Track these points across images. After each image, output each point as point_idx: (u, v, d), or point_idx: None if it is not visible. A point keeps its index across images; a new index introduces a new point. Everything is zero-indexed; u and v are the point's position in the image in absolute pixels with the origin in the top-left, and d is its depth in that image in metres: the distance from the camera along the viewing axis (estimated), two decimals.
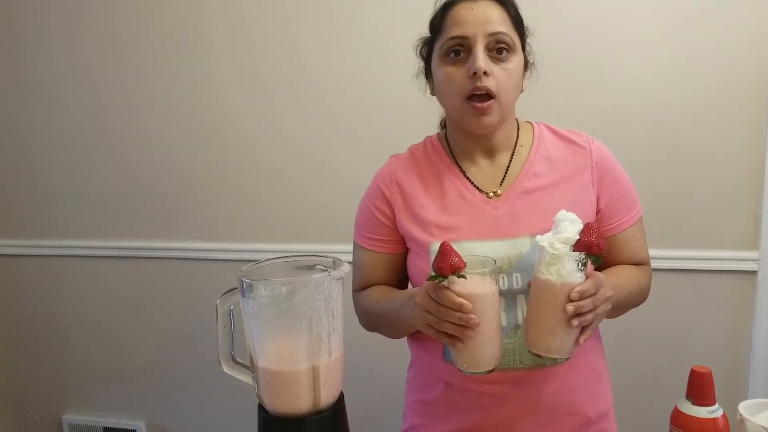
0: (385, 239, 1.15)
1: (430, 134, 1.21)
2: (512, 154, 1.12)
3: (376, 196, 1.16)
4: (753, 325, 1.85)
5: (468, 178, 1.11)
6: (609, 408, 1.15)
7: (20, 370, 2.54)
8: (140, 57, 2.16)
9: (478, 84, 0.99)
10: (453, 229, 1.06)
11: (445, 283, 0.87)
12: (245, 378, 0.93)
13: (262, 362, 0.87)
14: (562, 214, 0.86)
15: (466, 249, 1.03)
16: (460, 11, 1.02)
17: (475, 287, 0.87)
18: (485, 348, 0.90)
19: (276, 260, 0.94)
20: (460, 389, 1.09)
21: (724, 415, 0.80)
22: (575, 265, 0.84)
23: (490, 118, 1.03)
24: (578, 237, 0.84)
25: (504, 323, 1.03)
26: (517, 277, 1.03)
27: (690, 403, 0.81)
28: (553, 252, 0.84)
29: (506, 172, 1.10)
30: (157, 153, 2.21)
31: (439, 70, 1.05)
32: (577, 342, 0.88)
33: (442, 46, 1.04)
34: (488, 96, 1.01)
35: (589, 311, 0.85)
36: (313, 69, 2.03)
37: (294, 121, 2.07)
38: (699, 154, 1.81)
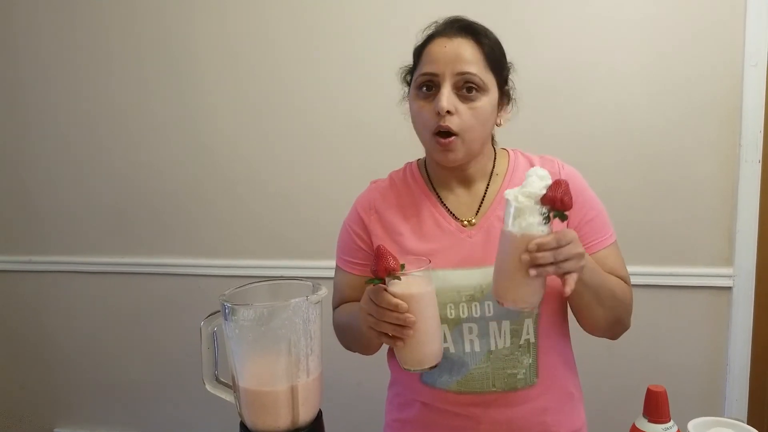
0: (362, 263, 1.17)
1: (413, 159, 1.24)
2: (488, 183, 1.14)
3: (355, 221, 1.18)
4: (729, 340, 1.90)
5: (445, 205, 1.13)
6: (581, 427, 1.19)
7: (12, 384, 2.57)
8: (133, 75, 2.21)
9: (441, 123, 1.02)
10: (428, 257, 1.07)
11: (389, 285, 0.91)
12: (228, 397, 0.97)
13: (243, 383, 0.91)
14: (533, 170, 0.87)
15: (441, 277, 1.05)
16: (435, 47, 1.05)
17: (411, 287, 0.90)
18: (425, 345, 0.93)
19: (257, 284, 0.98)
20: (436, 410, 1.13)
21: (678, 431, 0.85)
22: (538, 219, 0.86)
23: (454, 155, 1.06)
24: (545, 192, 0.85)
25: (477, 348, 1.07)
26: (489, 305, 1.06)
27: (646, 420, 0.86)
28: (517, 205, 0.86)
29: (482, 201, 1.13)
30: (149, 170, 2.26)
31: (413, 102, 1.09)
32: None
33: (416, 79, 1.07)
34: (452, 133, 1.03)
35: (550, 263, 0.85)
36: (302, 90, 2.08)
37: (283, 140, 2.12)
38: (676, 175, 1.87)
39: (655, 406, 0.85)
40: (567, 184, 0.85)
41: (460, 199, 1.14)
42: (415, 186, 1.17)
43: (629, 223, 1.88)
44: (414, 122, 1.10)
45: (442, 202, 1.14)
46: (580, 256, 0.89)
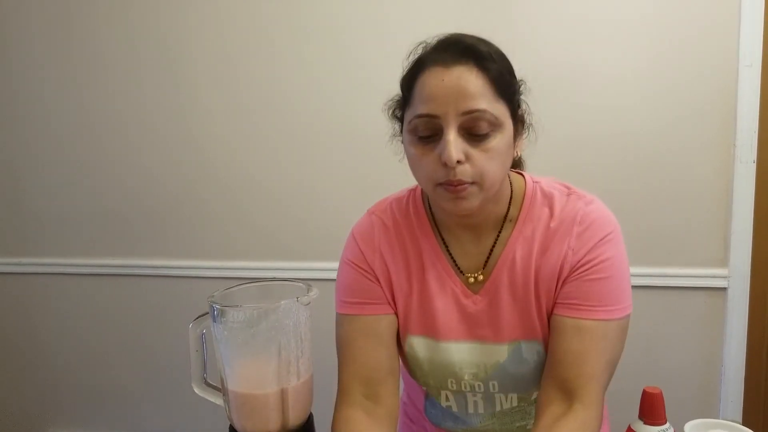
0: (377, 301, 0.98)
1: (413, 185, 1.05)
2: (499, 230, 0.96)
3: (359, 259, 1.00)
4: (724, 341, 1.90)
5: (450, 255, 0.98)
6: None
7: (4, 387, 2.54)
8: (127, 76, 2.19)
9: (451, 177, 0.83)
10: (430, 325, 0.97)
11: None
12: (216, 400, 0.96)
13: (232, 385, 0.90)
14: None
15: (442, 350, 0.97)
16: (430, 81, 0.84)
17: None
18: None
19: (248, 285, 0.97)
20: None
21: None
22: None
23: (469, 203, 0.86)
24: None
25: (481, 410, 1.02)
26: (493, 384, 0.98)
27: (642, 423, 0.84)
28: None
29: (490, 252, 0.96)
30: (141, 171, 2.24)
31: (409, 147, 0.89)
32: None
33: (409, 122, 0.87)
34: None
35: None
36: (296, 91, 2.06)
37: (278, 142, 2.11)
38: (670, 175, 1.86)
39: (651, 408, 0.84)
40: None
41: (465, 248, 0.98)
42: (418, 227, 0.99)
43: (624, 224, 1.85)
44: (413, 170, 0.91)
45: (448, 249, 0.98)
46: None
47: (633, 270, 1.90)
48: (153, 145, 2.21)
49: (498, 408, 1.01)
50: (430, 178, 0.87)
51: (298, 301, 0.88)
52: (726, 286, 1.87)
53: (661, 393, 0.84)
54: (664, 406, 0.85)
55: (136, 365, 2.39)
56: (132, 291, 2.33)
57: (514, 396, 1.00)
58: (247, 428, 0.89)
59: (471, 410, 1.02)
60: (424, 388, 1.05)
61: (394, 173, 1.20)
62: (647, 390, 0.84)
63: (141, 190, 2.25)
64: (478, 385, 0.98)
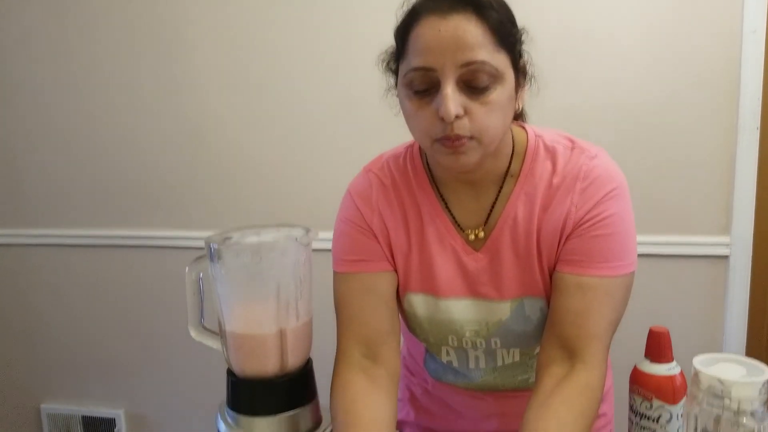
0: (376, 258, 0.95)
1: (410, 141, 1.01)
2: (501, 186, 0.92)
3: (356, 216, 0.96)
4: (725, 309, 1.88)
5: (450, 212, 0.95)
6: (608, 390, 1.11)
7: None
8: (120, 47, 2.15)
9: (449, 132, 0.79)
10: (430, 282, 0.95)
11: None
12: (213, 344, 0.94)
13: (230, 326, 0.88)
14: None
15: (442, 307, 0.94)
16: (425, 32, 0.78)
17: None
18: None
19: (245, 228, 0.95)
20: (439, 399, 1.10)
21: (681, 373, 0.83)
22: None
23: (468, 158, 0.82)
24: None
25: (483, 365, 1.00)
26: (495, 341, 0.96)
27: (648, 361, 0.83)
28: None
29: (492, 208, 0.93)
30: (135, 142, 2.21)
31: (405, 100, 0.85)
32: None
33: (404, 75, 0.82)
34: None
35: None
36: (290, 62, 2.03)
37: (271, 112, 2.08)
38: (674, 144, 1.84)
39: (658, 347, 0.82)
40: None
41: (465, 205, 0.94)
42: (416, 184, 0.96)
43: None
44: (409, 125, 0.86)
45: (447, 205, 0.95)
46: None
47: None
48: (148, 118, 2.18)
49: (499, 363, 1.00)
50: (427, 133, 0.82)
51: (297, 240, 0.86)
52: (728, 254, 1.85)
53: (668, 332, 0.83)
54: (671, 345, 0.83)
55: (131, 336, 2.37)
56: (125, 262, 2.31)
57: (516, 351, 0.98)
58: (246, 370, 0.88)
59: (472, 365, 1.01)
60: (424, 344, 1.03)
61: (388, 133, 1.13)
62: (654, 329, 0.83)
63: (136, 161, 2.22)
64: (480, 341, 0.96)
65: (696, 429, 0.74)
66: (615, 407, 1.13)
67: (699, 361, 0.72)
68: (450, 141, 0.80)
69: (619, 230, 0.87)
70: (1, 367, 2.53)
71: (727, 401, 0.70)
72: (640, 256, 1.90)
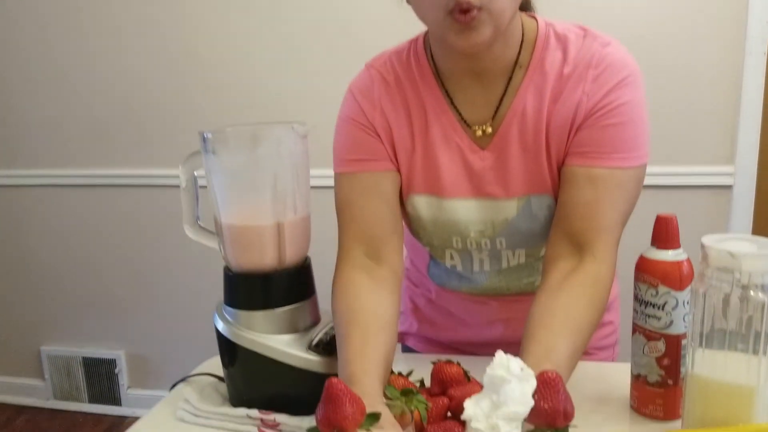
0: (378, 158, 0.91)
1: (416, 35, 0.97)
2: (510, 77, 0.87)
3: (357, 113, 0.92)
4: None
5: (455, 108, 0.90)
6: (614, 298, 1.10)
7: None
8: None
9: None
10: (434, 182, 0.91)
11: None
12: (209, 242, 0.92)
13: (226, 219, 0.86)
14: (500, 363, 0.57)
15: (447, 208, 0.92)
16: None
17: None
18: None
19: (241, 126, 0.92)
20: (442, 308, 1.08)
21: (688, 260, 0.81)
22: None
23: (479, 34, 0.77)
24: (532, 404, 0.56)
25: (487, 267, 0.97)
26: (501, 241, 0.93)
27: (655, 248, 0.81)
28: None
29: (500, 104, 0.88)
30: (133, 79, 2.17)
31: None
32: None
33: None
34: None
35: None
36: None
37: (270, 41, 2.04)
38: (680, 70, 1.80)
39: (665, 233, 0.80)
40: (560, 380, 0.57)
41: (472, 98, 0.89)
42: (421, 80, 0.91)
43: None
44: (418, 2, 0.81)
45: (453, 102, 0.90)
46: None
47: None
48: (146, 54, 2.14)
49: (504, 265, 0.97)
50: (435, 3, 0.77)
51: (293, 128, 0.83)
52: (731, 184, 1.83)
53: (675, 218, 0.80)
54: (678, 232, 0.81)
55: (130, 277, 2.36)
56: (123, 202, 2.29)
57: (522, 252, 0.96)
58: (243, 264, 0.86)
59: (476, 268, 0.98)
60: (428, 249, 1.01)
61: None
62: (661, 215, 0.81)
63: (133, 99, 2.19)
64: (485, 242, 0.94)
65: (704, 310, 0.72)
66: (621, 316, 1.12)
67: (708, 239, 0.70)
68: (462, 14, 0.75)
69: (632, 119, 0.83)
70: (1, 310, 2.52)
71: (737, 275, 0.68)
72: (644, 187, 1.89)
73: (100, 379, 2.47)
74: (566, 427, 0.56)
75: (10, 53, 2.24)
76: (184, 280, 2.28)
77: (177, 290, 2.31)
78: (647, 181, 1.87)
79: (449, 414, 0.72)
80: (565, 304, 0.78)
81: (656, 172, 1.85)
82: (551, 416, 0.55)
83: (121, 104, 2.20)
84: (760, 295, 0.67)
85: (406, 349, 1.17)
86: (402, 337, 1.18)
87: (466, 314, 1.06)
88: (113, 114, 2.21)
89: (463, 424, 0.61)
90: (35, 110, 2.28)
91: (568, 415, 0.56)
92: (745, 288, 0.68)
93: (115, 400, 2.47)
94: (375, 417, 0.59)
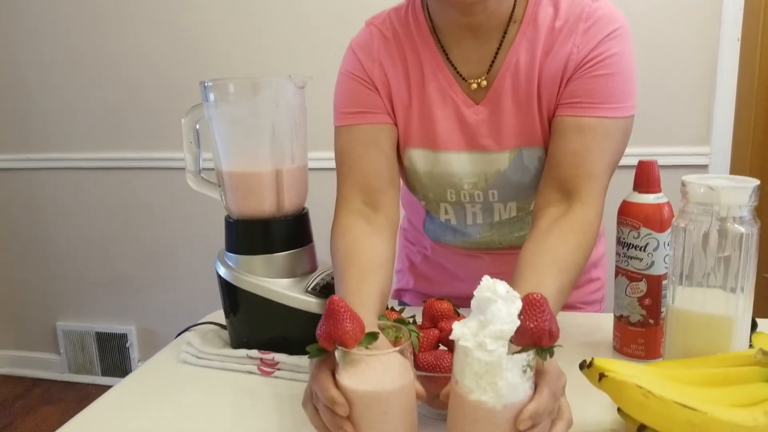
0: (376, 111, 0.89)
1: None
2: (504, 32, 0.85)
3: (357, 68, 0.90)
4: None
5: (451, 63, 0.88)
6: (601, 256, 1.08)
7: (15, 281, 2.49)
8: None
9: None
10: (430, 136, 0.90)
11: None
12: (212, 193, 0.90)
13: (227, 167, 0.84)
14: (487, 286, 0.55)
15: (442, 161, 0.90)
16: None
17: (369, 380, 0.54)
18: None
19: (240, 79, 0.89)
20: (437, 264, 1.06)
21: (669, 204, 0.79)
22: (521, 372, 0.53)
23: None
24: (518, 323, 0.53)
25: (480, 221, 0.95)
26: (493, 193, 0.91)
27: (636, 193, 0.79)
28: (487, 358, 0.52)
29: (494, 58, 0.86)
30: (145, 63, 2.14)
31: None
32: None
33: None
34: None
35: None
36: None
37: (278, 31, 2.01)
38: (655, 58, 1.78)
39: (647, 177, 0.78)
40: (545, 301, 0.54)
41: (467, 53, 0.87)
42: (418, 36, 0.89)
43: None
44: None
45: (447, 56, 0.88)
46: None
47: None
48: (159, 39, 2.11)
49: (497, 218, 0.95)
50: None
51: (291, 78, 0.81)
52: (707, 164, 1.82)
53: (656, 163, 0.79)
54: (659, 177, 0.79)
55: (139, 256, 2.34)
56: (135, 184, 2.26)
57: (513, 205, 0.94)
58: (242, 209, 0.84)
59: (470, 222, 0.97)
60: (423, 202, 0.99)
61: None
62: (642, 161, 0.79)
63: (146, 83, 2.16)
64: (478, 194, 0.92)
65: (684, 246, 0.70)
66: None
67: (688, 177, 0.68)
68: None
69: (621, 71, 0.81)
70: (18, 287, 2.50)
71: (716, 208, 0.66)
72: (621, 167, 1.87)
73: (112, 352, 2.44)
74: (551, 348, 0.54)
75: (25, 39, 2.21)
76: (192, 259, 2.26)
77: (185, 268, 2.28)
78: (626, 161, 1.85)
79: (440, 346, 0.70)
80: (553, 247, 0.77)
81: (635, 153, 1.82)
82: (537, 335, 0.53)
83: (133, 89, 2.17)
84: (738, 227, 0.66)
85: (403, 305, 1.15)
86: (398, 293, 1.16)
87: (460, 269, 1.04)
88: (126, 99, 2.18)
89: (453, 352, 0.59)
90: (49, 96, 2.25)
91: (553, 335, 0.53)
92: (723, 221, 0.66)
93: (126, 373, 2.44)
94: (373, 336, 0.57)
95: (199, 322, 0.97)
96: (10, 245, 2.45)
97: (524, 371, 0.53)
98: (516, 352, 0.53)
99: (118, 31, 2.13)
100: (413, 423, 0.56)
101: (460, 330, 0.54)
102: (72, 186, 2.32)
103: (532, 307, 0.53)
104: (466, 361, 0.53)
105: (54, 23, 2.17)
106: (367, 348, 0.56)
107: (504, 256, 1.00)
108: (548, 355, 0.53)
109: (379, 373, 0.55)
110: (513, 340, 0.53)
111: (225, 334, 0.92)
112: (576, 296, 1.05)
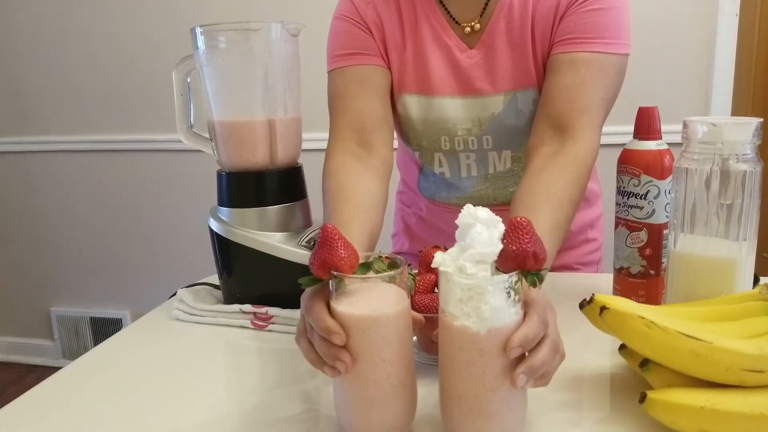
0: (370, 52, 0.88)
1: None
2: None
3: (350, 11, 0.89)
4: None
5: (444, 6, 0.87)
6: (597, 217, 1.07)
7: (8, 266, 2.47)
8: None
9: None
10: (423, 81, 0.89)
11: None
12: (204, 147, 0.88)
13: (219, 116, 0.82)
14: (468, 213, 0.53)
15: (436, 106, 0.89)
16: None
17: (364, 306, 0.52)
18: (378, 407, 0.53)
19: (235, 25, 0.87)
20: (432, 225, 1.05)
21: (669, 151, 0.77)
22: (505, 296, 0.50)
23: None
24: (501, 247, 0.50)
25: (474, 173, 0.94)
26: (487, 139, 0.90)
27: (637, 140, 0.77)
28: (468, 281, 0.50)
29: (488, 1, 0.85)
30: (140, 44, 2.11)
31: None
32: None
33: None
34: None
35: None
36: None
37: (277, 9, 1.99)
38: (654, 34, 1.76)
39: (648, 123, 0.77)
40: (530, 224, 0.52)
41: None
42: None
43: None
44: None
45: (441, 2, 0.87)
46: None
47: (611, 128, 1.81)
48: (154, 19, 2.08)
49: (491, 170, 0.94)
50: None
51: (283, 24, 0.79)
52: None
53: (657, 109, 0.77)
54: (660, 123, 0.77)
55: (133, 240, 2.31)
56: (129, 166, 2.24)
57: (508, 155, 0.93)
58: (235, 160, 0.82)
59: (464, 174, 0.95)
60: (417, 153, 0.97)
61: None
62: (642, 107, 0.77)
63: (140, 64, 2.13)
64: (472, 140, 0.91)
65: (686, 189, 0.68)
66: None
67: (690, 118, 0.67)
68: None
69: (614, 6, 0.80)
70: (11, 272, 2.47)
71: (719, 146, 0.64)
72: (619, 145, 1.85)
73: (107, 338, 2.41)
74: (539, 271, 0.52)
75: (22, 20, 2.19)
76: (187, 243, 2.23)
77: (179, 252, 2.26)
78: (624, 140, 1.84)
79: (436, 289, 0.68)
80: (546, 184, 0.75)
81: (630, 132, 1.82)
82: (521, 258, 0.50)
83: (129, 70, 2.14)
84: (742, 165, 0.64)
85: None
86: None
87: (455, 229, 1.03)
88: (120, 80, 2.16)
89: None
90: (45, 78, 2.22)
91: (538, 257, 0.51)
92: (725, 160, 0.64)
93: None
94: (367, 266, 0.55)
95: (193, 283, 0.95)
96: (2, 229, 2.43)
97: (508, 294, 0.50)
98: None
99: (115, 12, 2.11)
100: (410, 352, 0.54)
101: (441, 257, 0.53)
102: (66, 169, 2.29)
103: (515, 230, 0.52)
104: (448, 287, 0.52)
105: (52, 4, 2.15)
106: (363, 276, 0.54)
107: (499, 213, 0.97)
108: (536, 281, 0.51)
109: (376, 300, 0.53)
110: (498, 266, 0.52)
111: (218, 293, 0.91)
112: (573, 256, 1.04)
